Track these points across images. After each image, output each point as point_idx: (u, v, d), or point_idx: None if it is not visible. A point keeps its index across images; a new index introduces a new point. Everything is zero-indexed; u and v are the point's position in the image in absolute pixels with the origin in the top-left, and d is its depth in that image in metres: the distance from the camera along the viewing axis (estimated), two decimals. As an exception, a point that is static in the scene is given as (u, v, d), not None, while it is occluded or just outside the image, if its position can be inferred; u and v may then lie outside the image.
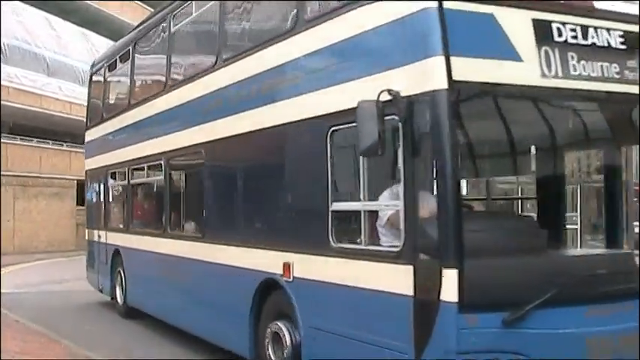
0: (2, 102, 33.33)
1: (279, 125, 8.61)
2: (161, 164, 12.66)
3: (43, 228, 37.93)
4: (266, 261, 8.79)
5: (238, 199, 10.09)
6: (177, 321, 11.96)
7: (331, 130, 7.48)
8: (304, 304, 8.03)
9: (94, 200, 17.03)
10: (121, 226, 15.39)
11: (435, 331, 6.13)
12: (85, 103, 40.38)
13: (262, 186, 9.31)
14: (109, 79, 16.42)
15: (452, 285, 6.02)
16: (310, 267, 7.95)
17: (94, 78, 17.63)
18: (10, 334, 11.02)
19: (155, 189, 13.76)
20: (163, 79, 12.76)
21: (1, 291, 16.46)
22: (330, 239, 7.53)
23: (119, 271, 15.00)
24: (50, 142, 39.83)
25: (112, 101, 16.34)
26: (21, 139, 38.29)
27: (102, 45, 42.23)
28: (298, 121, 8.17)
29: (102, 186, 16.26)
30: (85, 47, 43.46)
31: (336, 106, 7.37)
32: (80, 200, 39.07)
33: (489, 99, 6.80)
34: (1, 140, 34.56)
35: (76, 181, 39.06)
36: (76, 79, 41.96)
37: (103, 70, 16.55)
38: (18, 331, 12.13)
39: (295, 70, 8.36)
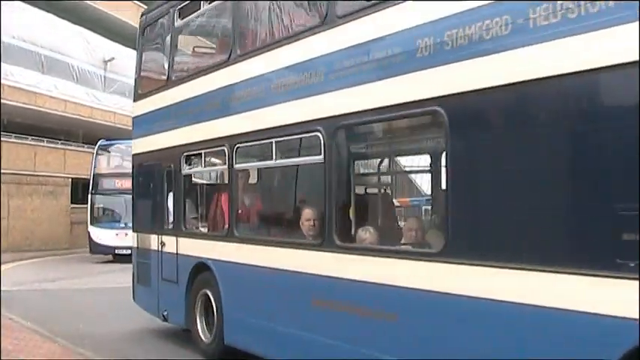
0: None
1: None
2: (319, 137, 6.85)
3: (37, 226, 33.52)
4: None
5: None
6: None
7: None
8: None
9: (152, 195, 10.71)
10: (212, 231, 9.39)
11: None
12: (79, 101, 35.16)
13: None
14: (182, 29, 10.05)
15: None
16: None
17: (150, 31, 11.18)
18: (3, 332, 9.84)
19: (293, 177, 8.03)
20: (323, 7, 6.91)
21: None
22: None
23: (205, 294, 9.03)
24: (45, 140, 34.89)
25: (188, 58, 10.00)
26: (15, 136, 33.13)
27: (98, 43, 36.71)
28: None
29: (168, 174, 10.05)
30: (81, 45, 37.17)
31: None
32: (74, 198, 35.43)
33: None
34: None
35: (70, 179, 35.64)
36: (71, 77, 36.27)
37: (168, 17, 10.19)
38: (11, 329, 10.82)
39: None
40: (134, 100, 11.18)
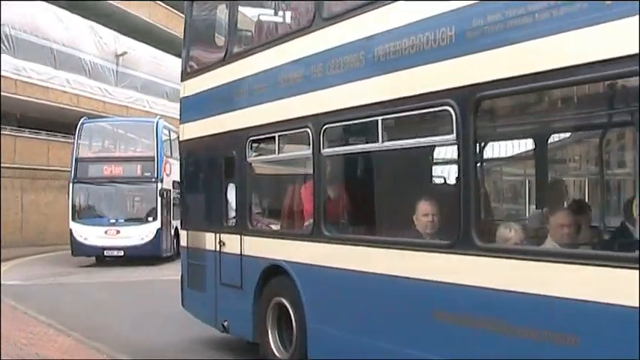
0: (10, 95, 28.96)
1: None
2: (449, 111, 5.16)
3: (50, 220, 31.49)
4: None
5: None
6: None
7: None
8: None
9: (206, 187, 8.90)
10: (290, 228, 7.63)
11: None
12: (92, 96, 33.25)
13: None
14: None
15: None
16: None
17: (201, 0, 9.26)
18: (17, 326, 9.43)
19: (403, 162, 6.24)
20: None
21: (10, 283, 15.69)
22: None
23: (279, 303, 7.18)
24: (58, 134, 32.90)
25: (252, 28, 8.14)
26: (29, 131, 31.49)
27: (109, 38, 34.90)
28: None
29: (229, 163, 8.19)
30: (93, 40, 35.07)
31: None
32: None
33: None
34: (9, 133, 29.75)
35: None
36: (83, 72, 34.17)
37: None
38: (25, 322, 10.21)
39: None
40: (182, 80, 9.25)
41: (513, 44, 4.65)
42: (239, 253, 7.79)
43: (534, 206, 7.03)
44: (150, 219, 21.94)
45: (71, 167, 22.69)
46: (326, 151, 6.49)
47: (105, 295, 14.99)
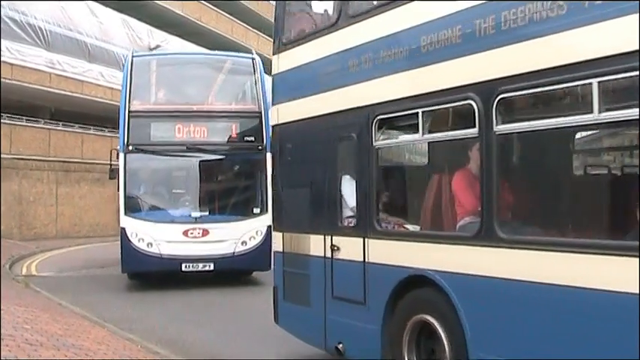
0: (45, 88, 28.65)
1: None
2: None
3: (85, 213, 30.78)
4: None
5: None
6: None
7: None
8: None
9: (311, 179, 6.98)
10: (440, 229, 5.73)
11: None
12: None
13: None
14: None
15: None
16: None
17: None
18: (52, 317, 8.95)
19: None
20: None
21: (44, 274, 16.06)
22: None
23: (420, 323, 5.47)
24: (92, 127, 31.80)
25: None
26: (63, 124, 30.16)
27: (142, 31, 33.93)
28: None
29: (345, 149, 6.37)
30: (126, 33, 33.63)
31: None
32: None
33: None
34: (43, 126, 29.23)
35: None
36: (116, 65, 32.49)
37: None
38: (61, 314, 9.65)
39: None
40: (274, 53, 7.42)
41: None
42: (361, 260, 6.00)
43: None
44: (256, 211, 13.44)
45: (121, 127, 13.34)
46: (501, 127, 4.68)
47: (140, 287, 13.85)
